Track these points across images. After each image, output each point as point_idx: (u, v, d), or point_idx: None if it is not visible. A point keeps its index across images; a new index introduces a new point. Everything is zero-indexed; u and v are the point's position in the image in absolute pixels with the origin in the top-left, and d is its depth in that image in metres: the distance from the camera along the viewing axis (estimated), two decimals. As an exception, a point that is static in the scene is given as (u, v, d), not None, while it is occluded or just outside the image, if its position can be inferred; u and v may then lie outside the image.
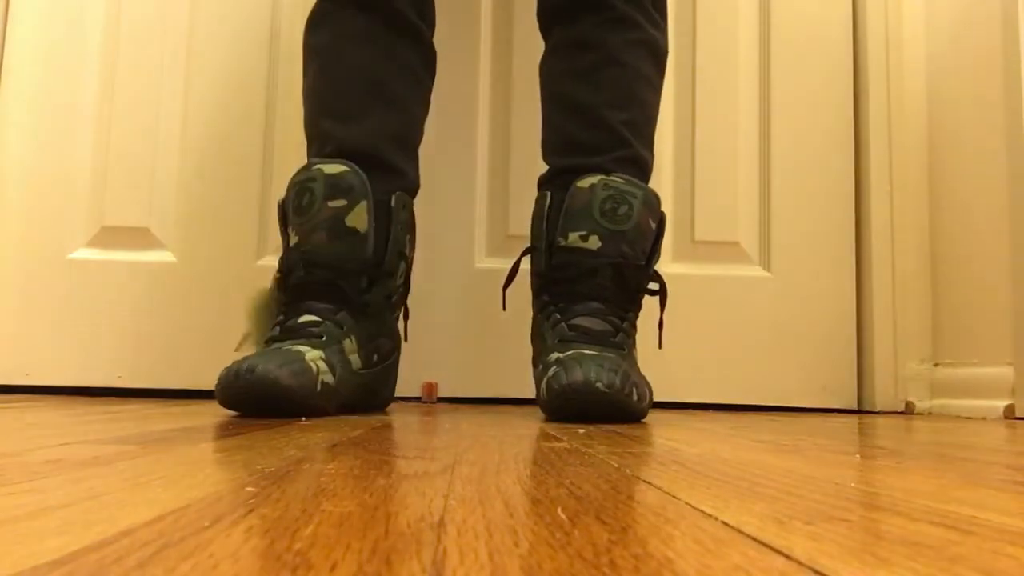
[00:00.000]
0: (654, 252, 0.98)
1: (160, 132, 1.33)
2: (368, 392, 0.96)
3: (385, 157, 0.99)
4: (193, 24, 1.35)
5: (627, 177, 0.96)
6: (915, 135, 1.35)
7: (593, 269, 0.93)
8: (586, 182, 0.95)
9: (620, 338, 0.91)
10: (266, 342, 0.90)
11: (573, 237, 0.94)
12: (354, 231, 0.92)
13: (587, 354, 0.85)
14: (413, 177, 1.04)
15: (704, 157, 1.37)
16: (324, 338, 0.88)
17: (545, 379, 0.84)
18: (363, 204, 0.92)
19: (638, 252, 0.95)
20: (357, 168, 0.93)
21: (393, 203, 0.96)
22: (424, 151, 1.36)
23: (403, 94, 1.02)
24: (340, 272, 0.92)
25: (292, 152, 1.33)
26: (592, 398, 0.79)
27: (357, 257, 0.92)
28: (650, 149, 1.03)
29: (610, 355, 0.87)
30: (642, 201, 0.95)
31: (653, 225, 0.97)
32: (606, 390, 0.79)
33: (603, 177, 0.95)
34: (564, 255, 0.94)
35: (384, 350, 0.99)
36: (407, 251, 1.00)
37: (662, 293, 1.00)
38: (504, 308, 1.03)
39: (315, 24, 1.03)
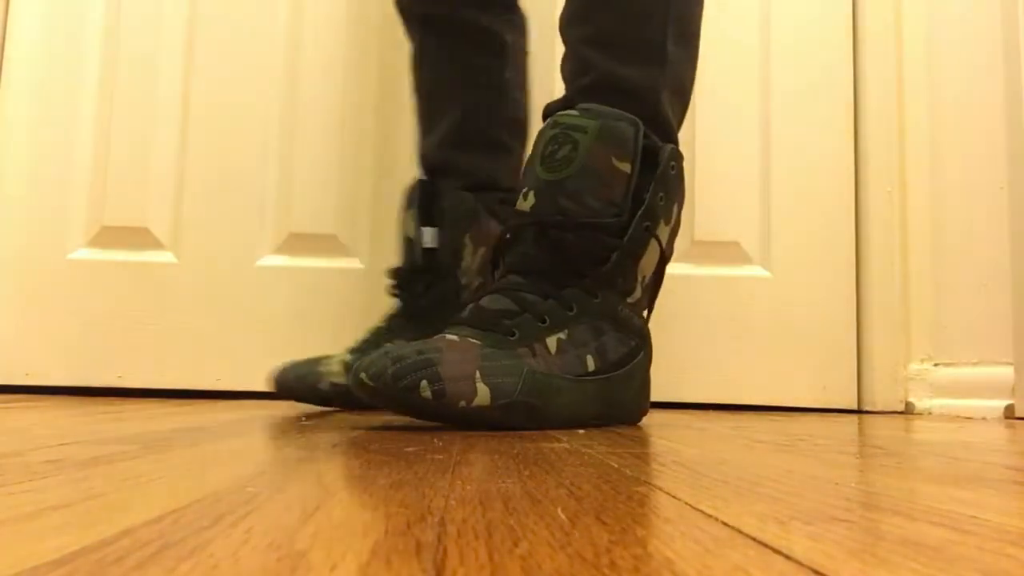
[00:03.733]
0: (640, 201, 0.76)
1: (160, 132, 1.33)
2: None
3: (450, 161, 1.04)
4: (193, 24, 1.35)
5: (590, 106, 0.77)
6: (916, 134, 1.35)
7: (516, 234, 0.77)
8: (545, 124, 0.79)
9: (521, 320, 0.71)
10: None
11: (520, 198, 0.78)
12: (407, 239, 0.99)
13: (416, 341, 0.69)
14: (475, 169, 1.04)
15: (704, 157, 1.37)
16: (366, 347, 0.96)
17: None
18: (411, 212, 0.99)
19: (592, 204, 0.74)
20: (419, 178, 1.01)
21: (446, 204, 1.00)
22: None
23: (460, 94, 1.05)
24: (399, 280, 0.99)
25: (292, 152, 1.33)
26: (364, 392, 0.65)
27: (409, 264, 0.99)
28: (639, 61, 0.81)
29: (457, 339, 0.69)
30: (595, 136, 0.74)
31: (623, 165, 0.75)
32: (370, 383, 0.64)
33: (560, 114, 0.78)
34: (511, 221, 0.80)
35: None
36: (465, 250, 1.01)
37: (658, 269, 0.79)
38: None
39: (410, 63, 1.10)
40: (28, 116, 1.32)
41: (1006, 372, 1.14)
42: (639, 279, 0.78)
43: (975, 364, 1.21)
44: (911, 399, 1.30)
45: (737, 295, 1.34)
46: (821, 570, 0.20)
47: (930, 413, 1.27)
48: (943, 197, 1.30)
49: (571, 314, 0.74)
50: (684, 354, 1.32)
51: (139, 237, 1.31)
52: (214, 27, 1.35)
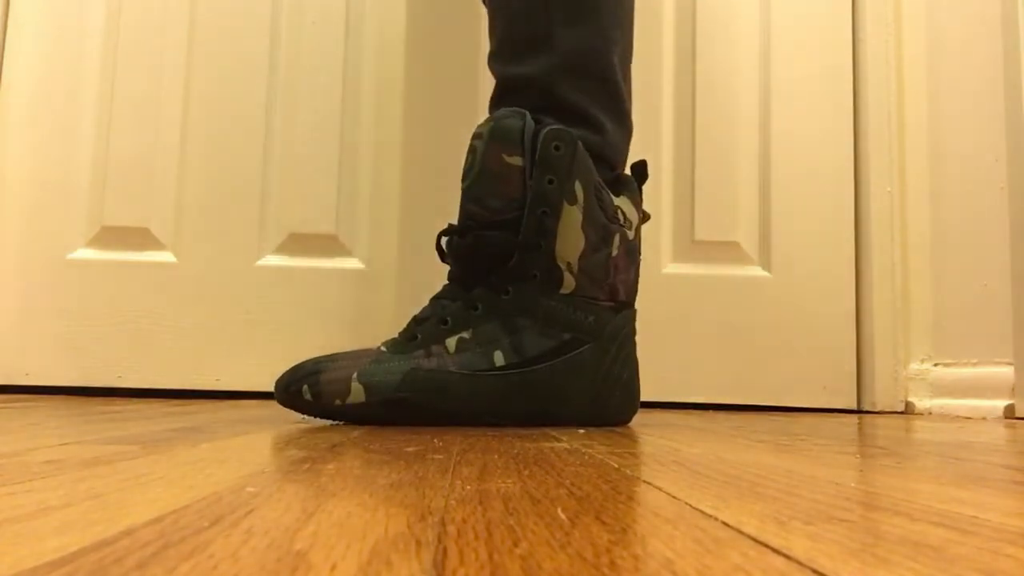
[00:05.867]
0: (528, 188, 0.76)
1: (160, 132, 1.33)
2: None
3: None
4: (193, 24, 1.35)
5: (493, 116, 0.79)
6: (915, 134, 1.35)
7: (444, 250, 0.80)
8: None
9: (426, 325, 0.76)
10: None
11: None
12: None
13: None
14: None
15: (704, 157, 1.37)
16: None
17: None
18: None
19: (494, 204, 0.77)
20: None
21: None
22: (423, 152, 1.36)
23: None
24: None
25: (292, 152, 1.33)
26: (278, 401, 0.74)
27: None
28: (524, 57, 0.82)
29: (373, 348, 0.76)
30: (488, 138, 0.77)
31: (514, 159, 0.76)
32: (275, 392, 0.74)
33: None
34: None
35: None
36: None
37: (594, 254, 0.77)
38: None
39: None
40: (28, 116, 1.32)
41: (1006, 372, 1.14)
42: (564, 267, 0.76)
43: (975, 364, 1.21)
44: (911, 399, 1.30)
45: (737, 295, 1.34)
46: (821, 570, 0.20)
47: (930, 413, 1.27)
48: (943, 197, 1.30)
49: (476, 313, 0.76)
50: (684, 354, 1.32)
51: (139, 237, 1.31)
52: (215, 27, 1.35)
